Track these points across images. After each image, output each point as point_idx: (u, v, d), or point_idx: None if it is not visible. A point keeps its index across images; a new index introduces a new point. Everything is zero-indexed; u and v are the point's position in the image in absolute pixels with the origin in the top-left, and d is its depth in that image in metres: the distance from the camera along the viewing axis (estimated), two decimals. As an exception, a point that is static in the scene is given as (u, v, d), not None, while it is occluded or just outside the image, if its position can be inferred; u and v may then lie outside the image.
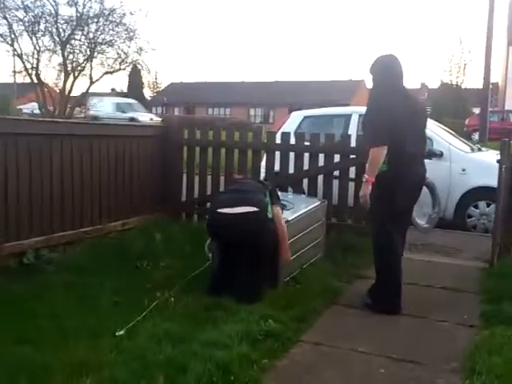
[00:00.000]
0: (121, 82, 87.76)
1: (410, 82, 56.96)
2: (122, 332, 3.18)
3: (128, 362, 2.77)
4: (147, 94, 47.66)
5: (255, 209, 3.79)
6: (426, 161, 6.22)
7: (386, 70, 3.72)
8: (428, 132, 6.63)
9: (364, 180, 3.65)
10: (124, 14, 18.51)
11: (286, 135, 5.67)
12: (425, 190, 4.13)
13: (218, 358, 2.79)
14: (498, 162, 4.38)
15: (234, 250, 3.87)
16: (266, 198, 3.99)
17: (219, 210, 3.86)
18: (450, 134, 7.60)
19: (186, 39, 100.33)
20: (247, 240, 3.78)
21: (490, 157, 6.66)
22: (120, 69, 19.53)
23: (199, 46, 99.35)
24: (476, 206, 6.52)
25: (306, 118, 7.63)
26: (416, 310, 3.75)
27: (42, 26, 17.53)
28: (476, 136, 21.05)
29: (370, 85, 3.92)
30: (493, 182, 4.87)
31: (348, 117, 7.37)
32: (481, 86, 20.25)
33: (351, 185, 5.30)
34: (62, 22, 18.10)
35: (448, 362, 3.00)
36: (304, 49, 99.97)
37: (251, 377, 2.72)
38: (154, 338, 3.05)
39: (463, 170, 6.57)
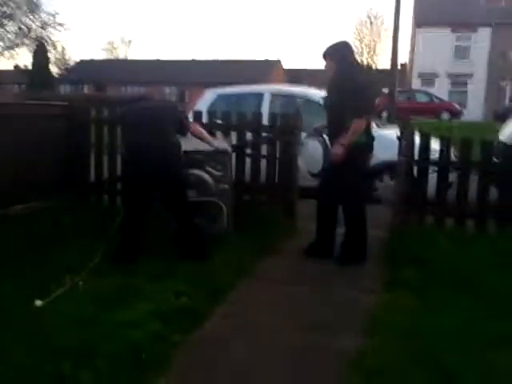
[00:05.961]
0: (25, 58, 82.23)
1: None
2: (40, 302, 3.20)
3: (33, 347, 2.68)
4: (54, 71, 45.26)
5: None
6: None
7: (348, 54, 4.28)
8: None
9: (341, 144, 4.09)
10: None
11: (198, 114, 5.61)
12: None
13: (129, 337, 2.78)
14: (398, 138, 4.62)
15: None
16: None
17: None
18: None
19: (98, 14, 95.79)
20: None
21: (393, 133, 7.01)
22: (24, 43, 18.45)
23: (113, 22, 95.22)
24: (381, 180, 6.87)
25: (219, 96, 7.59)
26: (324, 283, 3.92)
27: None
28: (385, 115, 22.00)
29: (322, 66, 4.40)
30: (396, 157, 5.12)
31: (260, 95, 7.44)
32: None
33: (263, 162, 5.39)
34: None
35: (353, 326, 3.18)
36: (222, 27, 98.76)
37: (162, 353, 2.74)
38: (62, 323, 2.96)
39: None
